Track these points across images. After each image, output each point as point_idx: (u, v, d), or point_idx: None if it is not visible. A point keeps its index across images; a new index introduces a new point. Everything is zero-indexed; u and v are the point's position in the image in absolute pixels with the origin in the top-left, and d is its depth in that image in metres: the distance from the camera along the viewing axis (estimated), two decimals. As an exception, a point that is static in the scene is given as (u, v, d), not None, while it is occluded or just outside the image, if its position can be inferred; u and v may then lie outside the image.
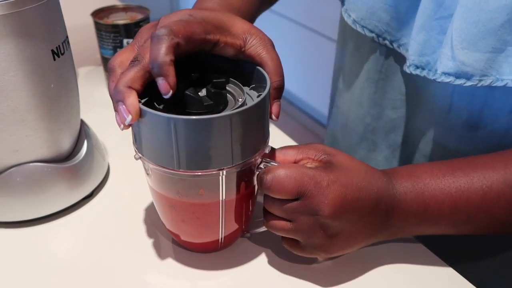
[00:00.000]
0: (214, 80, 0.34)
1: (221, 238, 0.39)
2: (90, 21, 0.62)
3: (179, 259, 0.40)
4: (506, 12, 0.35)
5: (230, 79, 0.37)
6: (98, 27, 0.61)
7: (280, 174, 0.33)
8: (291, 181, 0.33)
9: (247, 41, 0.36)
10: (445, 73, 0.40)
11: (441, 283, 0.39)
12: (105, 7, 0.65)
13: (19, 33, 0.36)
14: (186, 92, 0.33)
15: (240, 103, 0.34)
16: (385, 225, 0.37)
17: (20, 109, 0.39)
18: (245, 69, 0.37)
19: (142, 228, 0.44)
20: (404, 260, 0.41)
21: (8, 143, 0.41)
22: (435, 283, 0.39)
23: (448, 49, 0.39)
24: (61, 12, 0.42)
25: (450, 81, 0.39)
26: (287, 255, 0.40)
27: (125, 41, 0.61)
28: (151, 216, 0.45)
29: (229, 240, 0.40)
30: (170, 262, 0.40)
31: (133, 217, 0.45)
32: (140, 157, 0.35)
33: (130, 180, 0.50)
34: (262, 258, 0.41)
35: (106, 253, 0.42)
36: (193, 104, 0.33)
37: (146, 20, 0.63)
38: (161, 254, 0.41)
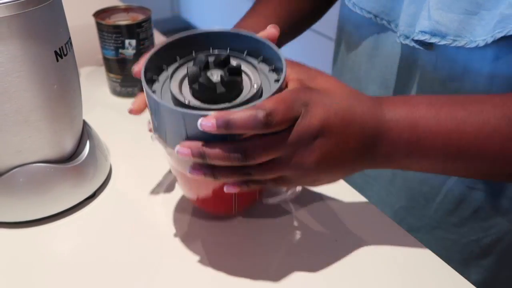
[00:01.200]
0: (230, 66, 0.34)
1: (235, 206, 0.42)
2: (92, 21, 0.62)
3: (182, 259, 0.41)
4: None
5: (248, 58, 0.38)
6: (100, 28, 0.62)
7: (271, 103, 0.31)
8: (282, 105, 0.31)
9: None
10: (421, 31, 0.43)
11: (442, 284, 0.39)
12: (107, 8, 0.65)
13: (23, 35, 0.37)
14: (200, 80, 0.33)
15: (255, 90, 0.34)
16: (373, 152, 0.36)
17: (23, 110, 0.40)
18: (265, 50, 0.37)
19: (145, 228, 0.44)
20: (403, 258, 0.41)
21: (11, 144, 0.41)
22: (437, 283, 0.39)
23: (425, 11, 0.42)
24: (64, 14, 0.42)
25: (426, 38, 0.42)
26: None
27: (126, 41, 0.62)
28: (153, 216, 0.46)
29: (243, 207, 0.44)
30: (173, 261, 0.41)
31: (135, 217, 0.46)
32: (158, 138, 0.36)
33: (132, 180, 0.50)
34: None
35: (109, 253, 0.42)
36: (207, 91, 0.34)
37: (147, 20, 0.63)
38: (164, 254, 0.41)
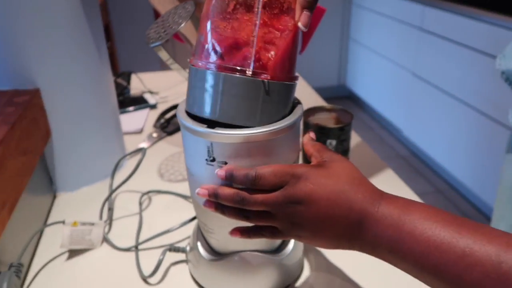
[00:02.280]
0: None
1: None
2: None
3: None
4: None
5: None
6: (306, 125, 0.70)
7: (264, 170, 0.40)
8: (271, 174, 0.40)
9: None
10: None
11: None
12: (313, 107, 0.73)
13: (273, 154, 0.44)
14: None
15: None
16: (359, 238, 0.39)
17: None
18: None
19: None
20: None
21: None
22: None
23: None
24: (299, 135, 0.49)
25: None
26: None
27: (328, 141, 0.68)
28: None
29: None
30: None
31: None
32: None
33: (322, 273, 0.54)
34: None
35: None
36: None
37: (349, 124, 0.69)
38: None
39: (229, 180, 0.42)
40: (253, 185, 0.40)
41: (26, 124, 0.56)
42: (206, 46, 0.42)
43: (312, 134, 0.48)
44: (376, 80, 2.87)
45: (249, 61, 0.41)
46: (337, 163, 0.42)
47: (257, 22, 0.40)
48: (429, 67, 2.26)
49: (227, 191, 0.42)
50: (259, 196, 0.41)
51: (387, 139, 2.78)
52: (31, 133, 0.58)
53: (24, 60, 0.60)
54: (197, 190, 0.43)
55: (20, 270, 0.49)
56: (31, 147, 0.57)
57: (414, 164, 2.49)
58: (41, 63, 0.61)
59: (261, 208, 0.41)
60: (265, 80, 0.41)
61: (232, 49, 0.41)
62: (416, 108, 2.42)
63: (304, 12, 0.40)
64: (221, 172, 0.42)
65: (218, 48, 0.41)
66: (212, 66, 0.41)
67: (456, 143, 2.05)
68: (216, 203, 0.43)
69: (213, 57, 0.41)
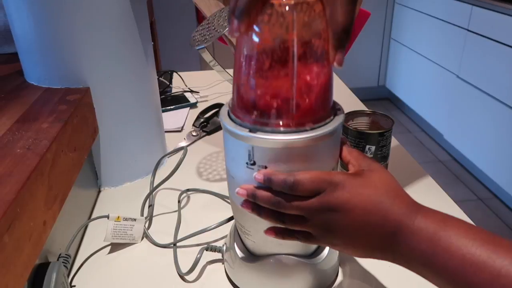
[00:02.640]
0: None
1: None
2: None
3: None
4: None
5: None
6: (345, 131, 0.69)
7: (302, 176, 0.40)
8: (309, 181, 0.40)
9: None
10: None
11: None
12: (353, 111, 0.72)
13: (313, 159, 0.45)
14: None
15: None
16: (393, 249, 0.39)
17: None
18: None
19: None
20: None
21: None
22: None
23: None
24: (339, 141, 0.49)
25: None
26: None
27: (367, 146, 0.67)
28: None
29: None
30: None
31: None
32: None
33: (357, 281, 0.54)
34: None
35: None
36: None
37: (389, 130, 0.68)
38: None
39: (267, 184, 0.43)
40: (291, 190, 0.41)
41: (77, 121, 0.59)
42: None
43: (346, 140, 0.48)
44: (417, 82, 2.79)
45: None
46: (375, 173, 0.42)
47: (294, 81, 0.41)
48: (475, 70, 2.18)
49: (264, 193, 0.43)
50: (296, 201, 0.41)
51: (426, 143, 2.71)
52: (81, 130, 0.61)
53: (76, 60, 0.63)
54: (236, 190, 0.45)
55: (67, 261, 0.52)
56: (81, 143, 0.60)
57: (454, 169, 2.41)
58: (92, 63, 0.64)
59: (296, 212, 0.42)
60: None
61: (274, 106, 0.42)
62: (459, 112, 2.34)
63: (339, 52, 0.40)
64: (259, 176, 0.43)
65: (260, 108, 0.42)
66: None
67: (501, 149, 1.96)
68: (253, 204, 0.44)
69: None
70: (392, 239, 0.39)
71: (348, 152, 0.46)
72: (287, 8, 0.39)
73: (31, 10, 0.60)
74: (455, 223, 0.37)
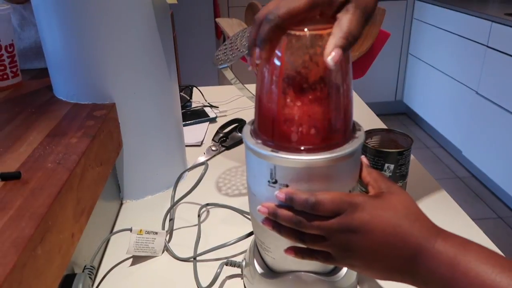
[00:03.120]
0: None
1: None
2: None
3: None
4: None
5: None
6: (364, 149, 0.70)
7: (323, 196, 0.41)
8: (329, 201, 0.41)
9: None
10: None
11: None
12: (372, 130, 0.73)
13: (333, 179, 0.45)
14: None
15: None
16: (410, 269, 0.39)
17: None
18: None
19: None
20: None
21: (297, 255, 0.50)
22: None
23: None
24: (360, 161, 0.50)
25: None
26: None
27: (386, 165, 0.68)
28: None
29: None
30: None
31: None
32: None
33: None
34: None
35: None
36: None
37: (409, 149, 0.68)
38: None
39: (288, 203, 0.43)
40: (312, 210, 0.42)
41: (103, 136, 0.61)
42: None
43: (365, 160, 0.49)
44: (435, 97, 2.77)
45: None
46: (395, 195, 0.42)
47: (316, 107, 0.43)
48: (494, 86, 2.16)
49: (286, 212, 0.44)
50: (316, 221, 0.42)
51: (444, 159, 2.68)
52: (107, 145, 0.63)
53: (103, 77, 0.66)
54: (258, 207, 0.46)
55: (92, 272, 0.53)
56: (106, 158, 0.62)
57: (473, 186, 2.37)
58: (118, 79, 0.67)
59: (317, 232, 0.43)
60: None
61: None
62: (477, 128, 2.31)
63: (337, 49, 0.39)
64: (281, 195, 0.44)
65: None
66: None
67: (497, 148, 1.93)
68: (274, 222, 0.45)
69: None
70: (412, 261, 0.39)
71: (368, 173, 0.46)
72: (307, 36, 0.40)
73: (62, 28, 0.63)
74: (475, 247, 0.38)
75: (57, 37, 0.65)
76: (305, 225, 0.43)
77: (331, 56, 0.38)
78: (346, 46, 0.39)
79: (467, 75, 2.38)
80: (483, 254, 0.37)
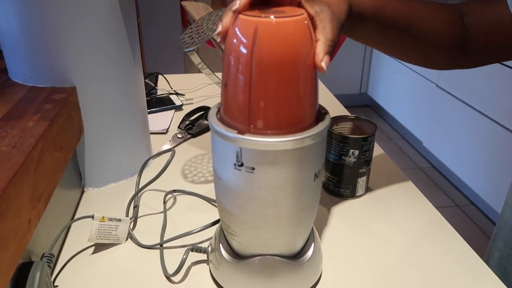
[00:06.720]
0: None
1: None
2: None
3: None
4: None
5: None
6: (330, 135, 0.71)
7: None
8: None
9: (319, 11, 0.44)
10: None
11: None
12: (337, 116, 0.74)
13: (299, 162, 0.46)
14: None
15: None
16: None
17: (280, 216, 0.48)
18: None
19: None
20: None
21: (263, 238, 0.50)
22: None
23: None
24: (325, 143, 0.51)
25: None
26: None
27: (351, 151, 0.69)
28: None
29: None
30: None
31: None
32: None
33: (342, 283, 0.55)
34: None
35: None
36: None
37: (373, 135, 0.69)
38: None
39: None
40: None
41: (63, 121, 0.58)
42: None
43: None
44: (398, 90, 2.85)
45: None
46: None
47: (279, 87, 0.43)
48: (453, 79, 2.24)
49: None
50: None
51: (406, 150, 2.76)
52: (67, 129, 0.60)
53: (62, 59, 0.63)
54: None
55: (51, 260, 0.51)
56: (66, 143, 0.60)
57: (433, 176, 2.46)
58: (79, 62, 0.64)
59: None
60: None
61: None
62: (438, 120, 2.40)
63: (327, 55, 0.42)
64: None
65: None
66: None
67: (478, 158, 2.02)
68: None
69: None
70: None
71: None
72: (274, 23, 0.40)
73: (17, 7, 0.60)
74: None
75: (11, 15, 0.61)
76: None
77: (324, 62, 0.42)
78: (331, 52, 0.43)
79: (428, 69, 2.46)
80: None
